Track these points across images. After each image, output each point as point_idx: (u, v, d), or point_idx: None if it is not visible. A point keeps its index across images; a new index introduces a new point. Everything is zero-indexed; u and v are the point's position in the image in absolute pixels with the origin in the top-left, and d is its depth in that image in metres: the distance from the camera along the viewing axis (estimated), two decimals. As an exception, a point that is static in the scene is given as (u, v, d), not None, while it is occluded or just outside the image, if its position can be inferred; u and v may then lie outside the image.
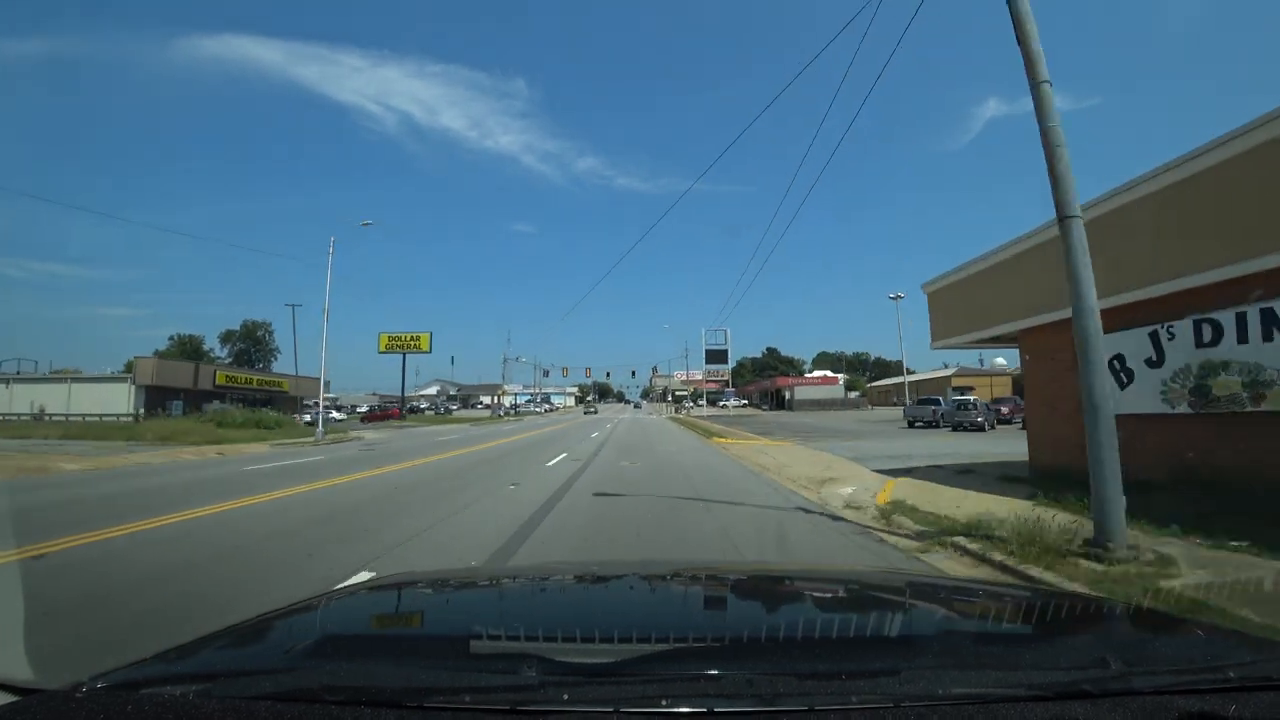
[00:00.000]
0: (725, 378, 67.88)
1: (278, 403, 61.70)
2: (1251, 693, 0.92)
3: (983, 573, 5.17)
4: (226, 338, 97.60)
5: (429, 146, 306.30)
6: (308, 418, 48.31)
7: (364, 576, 4.71)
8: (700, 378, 77.44)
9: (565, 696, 0.89)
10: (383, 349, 65.91)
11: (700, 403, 77.43)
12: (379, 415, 59.08)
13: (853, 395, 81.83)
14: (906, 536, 6.54)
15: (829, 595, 1.92)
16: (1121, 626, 1.54)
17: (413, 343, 67.71)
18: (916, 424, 31.86)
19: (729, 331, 64.66)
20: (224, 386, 51.69)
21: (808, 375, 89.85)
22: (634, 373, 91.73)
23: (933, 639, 1.41)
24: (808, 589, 1.99)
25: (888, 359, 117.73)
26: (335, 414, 56.51)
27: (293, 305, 67.84)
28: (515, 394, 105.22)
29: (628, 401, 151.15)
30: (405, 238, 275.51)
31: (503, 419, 61.31)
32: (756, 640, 1.26)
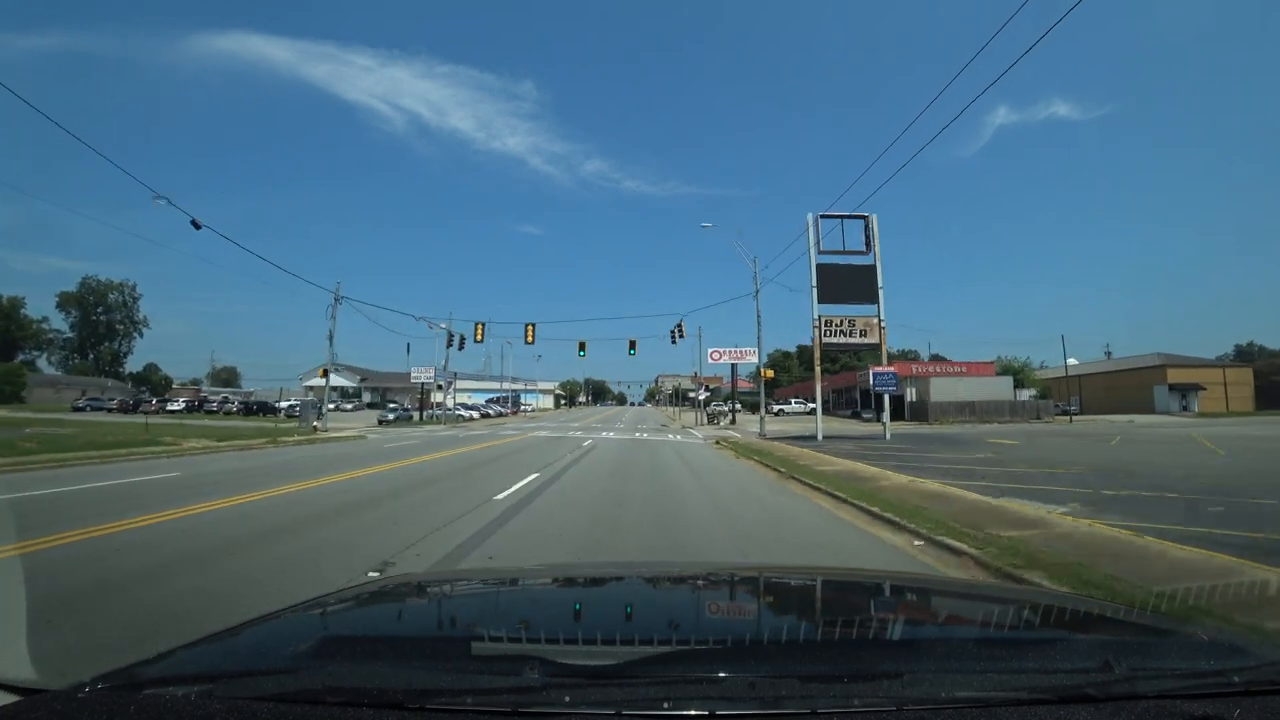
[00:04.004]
0: (874, 336, 24.55)
1: None
2: (1256, 697, 0.90)
3: None
4: (64, 301, 66.84)
5: (437, 147, 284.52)
6: None
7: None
8: (751, 363, 40.03)
9: (567, 698, 0.88)
10: None
11: (730, 405, 42.78)
12: None
13: (1024, 396, 46.44)
14: None
15: (832, 596, 1.90)
16: (1125, 630, 1.47)
17: None
18: None
19: (876, 221, 25.05)
20: None
21: (942, 364, 52.35)
22: (632, 344, 37.12)
23: (935, 641, 1.38)
24: (810, 590, 1.98)
25: (944, 355, 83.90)
26: None
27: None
28: (429, 380, 49.43)
29: (632, 403, 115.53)
30: (408, 233, 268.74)
31: (278, 443, 20.12)
32: (759, 642, 1.27)
